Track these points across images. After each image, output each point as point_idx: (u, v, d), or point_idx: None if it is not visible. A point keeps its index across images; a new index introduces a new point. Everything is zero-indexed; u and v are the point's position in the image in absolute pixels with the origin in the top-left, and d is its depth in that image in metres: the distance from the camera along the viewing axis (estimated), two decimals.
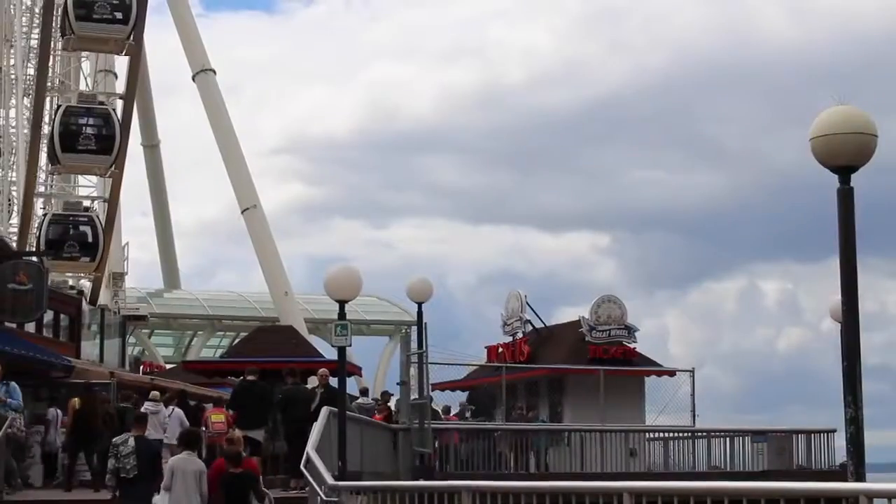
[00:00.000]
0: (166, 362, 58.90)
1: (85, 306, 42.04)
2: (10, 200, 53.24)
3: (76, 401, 23.39)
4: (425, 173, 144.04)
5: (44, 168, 50.80)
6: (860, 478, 10.30)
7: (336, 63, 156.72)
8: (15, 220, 51.58)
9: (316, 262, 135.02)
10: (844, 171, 10.70)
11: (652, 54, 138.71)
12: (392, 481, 20.31)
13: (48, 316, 35.49)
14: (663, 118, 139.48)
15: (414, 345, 26.08)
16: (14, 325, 32.27)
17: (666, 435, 31.48)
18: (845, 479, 10.44)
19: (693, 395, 31.27)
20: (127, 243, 55.32)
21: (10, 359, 26.16)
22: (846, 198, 10.70)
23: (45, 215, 47.74)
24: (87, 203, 49.18)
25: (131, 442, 16.12)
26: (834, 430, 30.29)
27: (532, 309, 35.43)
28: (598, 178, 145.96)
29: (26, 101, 53.63)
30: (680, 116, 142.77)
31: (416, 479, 22.22)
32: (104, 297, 50.01)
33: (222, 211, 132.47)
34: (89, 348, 41.13)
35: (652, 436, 31.57)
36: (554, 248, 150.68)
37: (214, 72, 54.04)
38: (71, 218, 47.21)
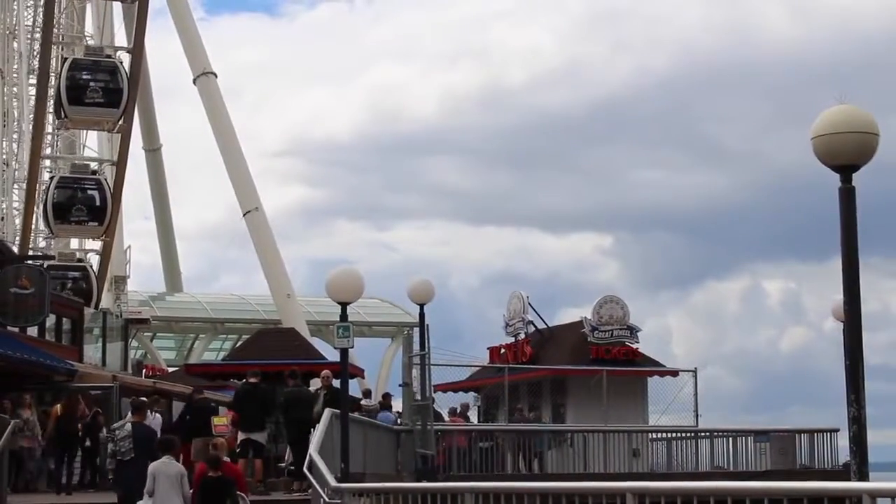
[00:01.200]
0: (168, 365, 58.79)
1: (87, 310, 42.02)
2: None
3: (57, 407, 23.51)
4: (427, 175, 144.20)
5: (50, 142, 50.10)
6: (863, 477, 10.29)
7: (337, 65, 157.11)
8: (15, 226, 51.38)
9: (318, 265, 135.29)
10: (846, 171, 10.69)
11: (653, 55, 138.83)
12: (395, 483, 20.30)
13: (50, 320, 35.48)
14: (665, 118, 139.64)
15: (416, 346, 26.08)
16: (16, 329, 32.27)
17: (669, 435, 31.49)
18: (848, 479, 10.44)
19: (696, 395, 31.32)
20: (129, 247, 55.27)
21: (13, 363, 26.20)
22: (848, 197, 10.69)
23: (51, 178, 46.87)
24: (94, 166, 48.27)
25: (128, 427, 17.19)
26: (837, 430, 30.29)
27: (534, 310, 35.47)
28: (600, 179, 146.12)
29: (31, 90, 53.59)
30: (681, 116, 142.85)
31: (419, 481, 22.23)
32: (106, 301, 49.92)
33: (224, 214, 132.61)
34: (91, 352, 41.10)
35: (655, 436, 31.58)
36: (557, 249, 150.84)
37: (215, 75, 54.00)
38: (78, 181, 46.43)
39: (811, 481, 8.89)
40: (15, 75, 56.38)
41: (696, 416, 31.12)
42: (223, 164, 53.89)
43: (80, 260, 48.41)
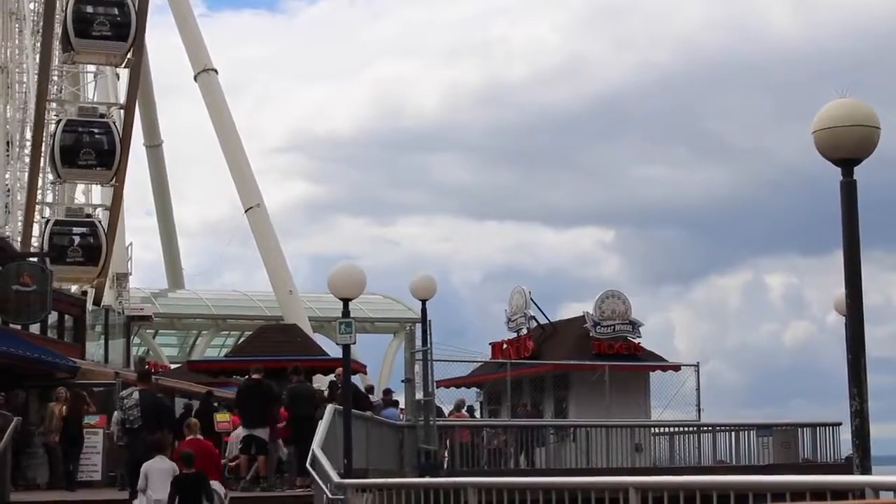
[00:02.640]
0: (171, 362, 58.95)
1: (89, 306, 42.04)
2: (6, 207, 52.78)
3: (63, 407, 23.67)
4: (430, 171, 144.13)
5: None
6: (866, 470, 10.29)
7: (339, 61, 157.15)
8: (17, 220, 50.86)
9: (321, 261, 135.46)
10: (847, 164, 10.69)
11: (655, 50, 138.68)
12: (398, 478, 20.30)
13: (52, 317, 35.49)
14: (667, 114, 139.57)
15: (418, 342, 26.09)
16: (18, 327, 32.29)
17: (671, 430, 31.49)
18: (851, 472, 10.44)
19: (698, 389, 31.33)
20: (130, 244, 55.30)
21: (15, 360, 26.22)
22: (849, 190, 10.69)
23: (58, 121, 45.50)
24: (102, 110, 46.92)
25: (136, 395, 18.17)
26: (839, 424, 30.30)
27: (536, 305, 35.44)
28: (603, 175, 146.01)
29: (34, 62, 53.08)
30: (684, 112, 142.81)
31: (422, 477, 22.24)
32: (108, 298, 49.88)
33: (226, 210, 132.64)
34: (94, 349, 41.13)
35: (657, 431, 31.59)
36: (559, 245, 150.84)
37: (216, 71, 54.03)
38: (86, 125, 45.06)
39: (814, 475, 8.87)
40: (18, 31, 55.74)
41: (699, 410, 31.14)
42: (225, 161, 54.04)
43: (88, 215, 46.87)
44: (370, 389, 31.02)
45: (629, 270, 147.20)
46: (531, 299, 35.22)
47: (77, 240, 44.87)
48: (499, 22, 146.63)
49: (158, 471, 15.79)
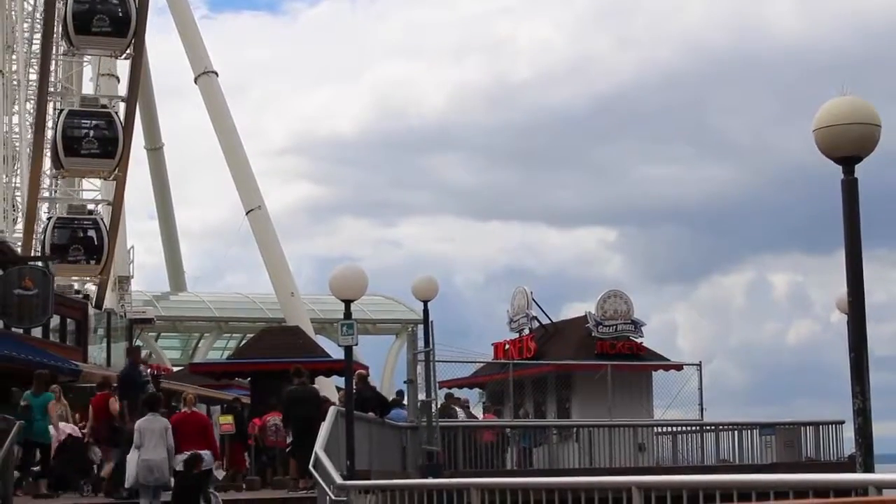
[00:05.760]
0: (173, 365, 58.91)
1: (91, 310, 42.02)
2: (14, 205, 52.73)
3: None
4: (433, 171, 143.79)
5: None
6: (868, 469, 10.28)
7: (342, 62, 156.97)
8: (20, 225, 50.67)
9: (324, 262, 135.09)
10: (848, 162, 10.69)
11: (659, 49, 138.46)
12: (401, 480, 20.30)
13: (54, 321, 35.53)
14: (671, 112, 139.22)
15: (420, 343, 26.09)
16: (21, 331, 32.31)
17: (674, 429, 31.49)
18: (854, 471, 10.44)
19: (700, 388, 31.32)
20: (132, 247, 55.36)
21: (17, 364, 26.24)
22: (850, 188, 10.69)
23: None
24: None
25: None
26: (842, 422, 30.31)
27: (538, 305, 35.44)
28: (607, 174, 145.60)
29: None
30: (688, 110, 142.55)
31: (425, 478, 22.24)
32: (110, 301, 49.89)
33: (228, 213, 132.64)
34: (96, 352, 41.14)
35: (660, 430, 31.58)
36: (562, 244, 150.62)
37: (216, 74, 54.06)
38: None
39: (817, 473, 8.87)
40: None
41: (702, 409, 31.13)
42: (226, 164, 54.06)
43: (104, 105, 44.75)
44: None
45: (632, 270, 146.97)
46: (533, 300, 35.24)
47: (92, 132, 43.43)
48: (502, 21, 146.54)
49: (151, 431, 16.15)
